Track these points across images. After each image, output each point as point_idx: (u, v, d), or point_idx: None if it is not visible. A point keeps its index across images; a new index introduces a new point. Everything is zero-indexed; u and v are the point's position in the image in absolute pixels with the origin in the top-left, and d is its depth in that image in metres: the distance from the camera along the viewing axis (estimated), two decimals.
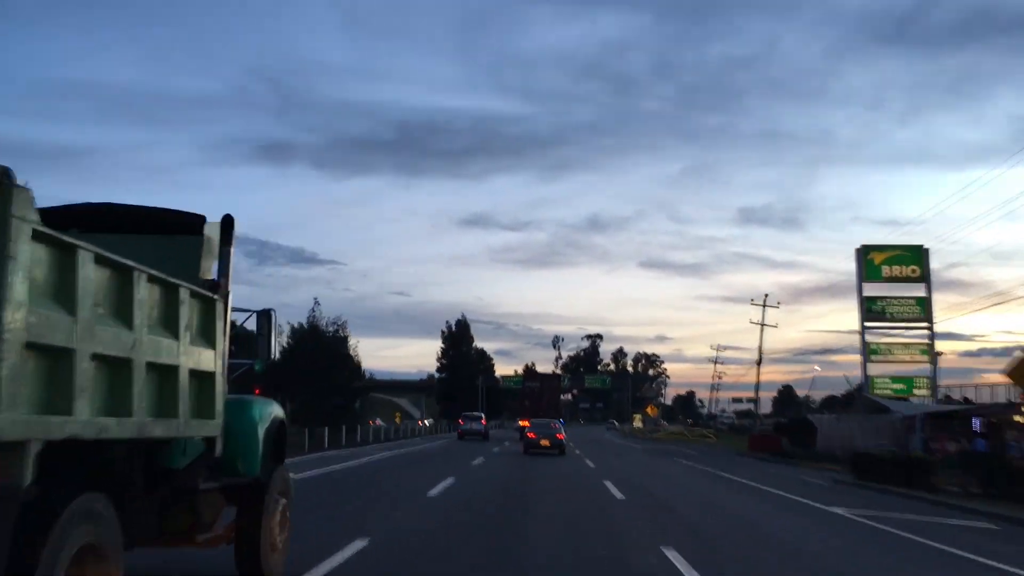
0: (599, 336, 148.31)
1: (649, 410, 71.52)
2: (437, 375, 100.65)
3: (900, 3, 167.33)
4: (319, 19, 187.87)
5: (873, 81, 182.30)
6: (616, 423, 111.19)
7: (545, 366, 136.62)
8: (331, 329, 49.01)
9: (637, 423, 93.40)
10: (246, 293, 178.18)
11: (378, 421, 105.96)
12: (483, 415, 56.07)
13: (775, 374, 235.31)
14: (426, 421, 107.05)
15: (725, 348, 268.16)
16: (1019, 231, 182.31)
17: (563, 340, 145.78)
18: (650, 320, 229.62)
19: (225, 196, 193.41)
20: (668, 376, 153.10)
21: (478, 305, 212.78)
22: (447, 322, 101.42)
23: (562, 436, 33.13)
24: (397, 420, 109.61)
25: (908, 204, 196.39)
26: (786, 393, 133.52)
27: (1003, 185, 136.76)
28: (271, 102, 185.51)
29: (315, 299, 49.15)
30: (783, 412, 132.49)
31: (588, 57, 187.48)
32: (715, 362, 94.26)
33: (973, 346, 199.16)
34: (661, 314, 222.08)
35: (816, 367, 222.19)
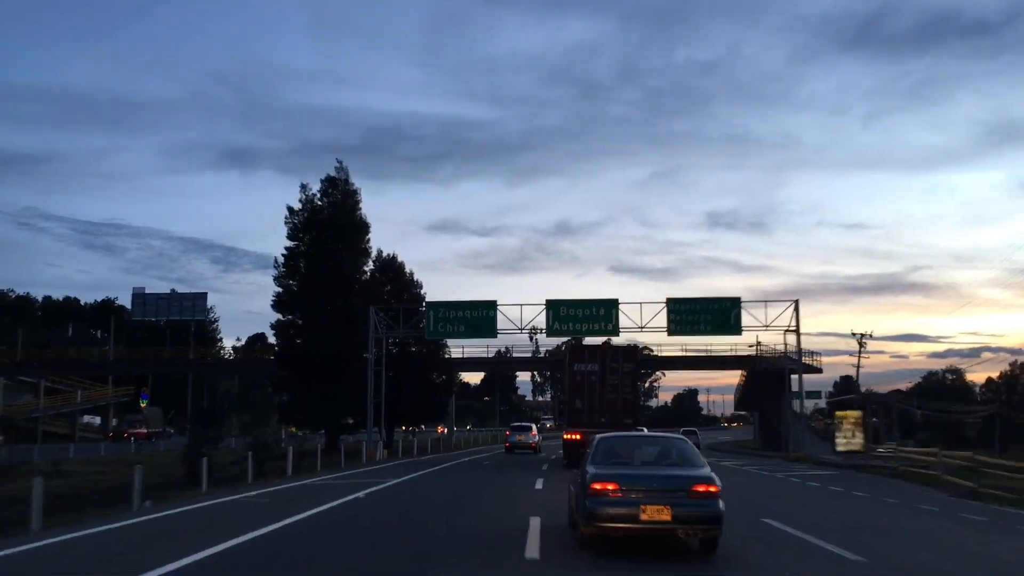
0: None
1: None
2: (277, 320, 43.34)
3: (861, 8, 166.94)
4: (283, 23, 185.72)
5: (836, 86, 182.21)
6: (697, 431, 64.73)
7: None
8: None
9: (853, 435, 37.74)
10: (212, 300, 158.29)
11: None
12: (533, 426, 48.65)
13: (738, 377, 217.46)
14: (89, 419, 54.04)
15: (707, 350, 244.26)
16: (982, 233, 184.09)
17: (540, 330, 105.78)
18: (621, 325, 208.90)
19: (189, 202, 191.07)
20: (664, 372, 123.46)
21: None
22: (302, 185, 44.64)
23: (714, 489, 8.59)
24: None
25: (872, 208, 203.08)
26: (844, 385, 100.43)
27: (966, 188, 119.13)
28: (235, 107, 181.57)
29: None
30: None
31: (555, 62, 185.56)
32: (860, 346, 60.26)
33: (940, 347, 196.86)
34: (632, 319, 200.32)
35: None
